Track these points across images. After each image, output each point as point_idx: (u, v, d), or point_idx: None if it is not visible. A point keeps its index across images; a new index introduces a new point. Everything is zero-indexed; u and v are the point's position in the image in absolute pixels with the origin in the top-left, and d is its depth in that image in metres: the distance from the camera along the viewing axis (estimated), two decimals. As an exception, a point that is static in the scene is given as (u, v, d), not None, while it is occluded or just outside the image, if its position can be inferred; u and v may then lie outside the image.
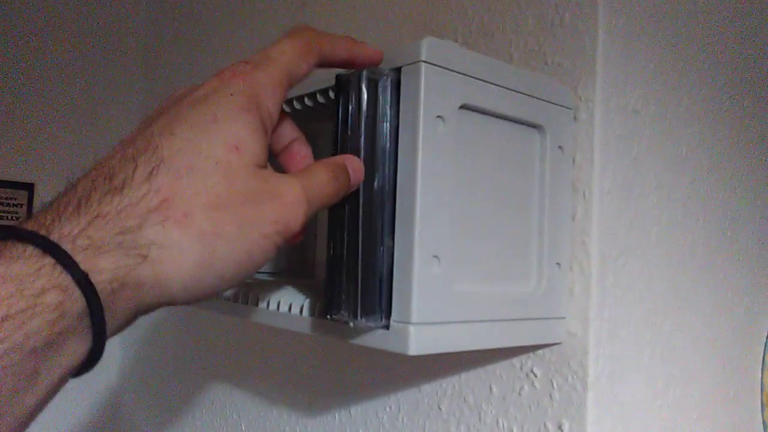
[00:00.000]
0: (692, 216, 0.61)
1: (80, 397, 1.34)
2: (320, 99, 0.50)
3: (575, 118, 0.53)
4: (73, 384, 0.32)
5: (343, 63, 0.43)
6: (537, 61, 0.56)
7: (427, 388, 0.64)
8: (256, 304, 0.57)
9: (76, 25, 1.35)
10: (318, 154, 0.74)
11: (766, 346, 0.74)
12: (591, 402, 0.50)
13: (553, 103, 0.52)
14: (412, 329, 0.41)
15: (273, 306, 0.55)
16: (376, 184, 0.43)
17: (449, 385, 0.62)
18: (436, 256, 0.43)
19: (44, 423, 0.34)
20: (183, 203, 0.32)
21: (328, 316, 0.44)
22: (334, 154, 0.45)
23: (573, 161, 0.53)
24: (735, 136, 0.67)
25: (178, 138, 0.34)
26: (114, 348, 1.38)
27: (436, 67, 0.43)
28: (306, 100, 0.51)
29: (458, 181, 0.45)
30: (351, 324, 0.43)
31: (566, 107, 0.53)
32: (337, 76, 0.45)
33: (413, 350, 0.41)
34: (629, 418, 0.54)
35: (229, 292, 0.61)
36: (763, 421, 0.74)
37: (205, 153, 0.34)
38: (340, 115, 0.45)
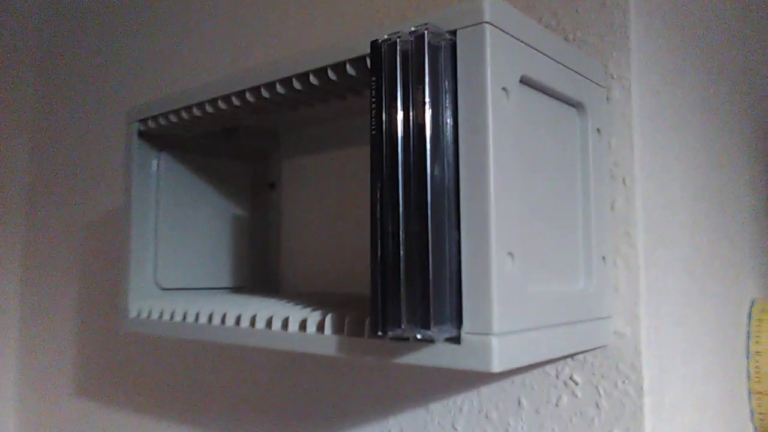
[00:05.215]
0: (703, 204, 0.59)
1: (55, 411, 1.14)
2: (351, 71, 0.42)
3: (608, 98, 0.49)
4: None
5: None
6: (559, 36, 0.51)
7: (437, 407, 0.57)
8: (253, 325, 0.47)
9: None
10: (347, 137, 0.64)
11: (749, 335, 0.74)
12: (648, 408, 0.46)
13: (591, 80, 0.47)
14: (494, 342, 0.34)
15: (274, 324, 0.46)
16: (438, 170, 0.36)
17: (465, 401, 0.55)
18: (510, 253, 0.36)
19: None
20: None
21: (381, 333, 0.36)
22: (375, 140, 0.37)
23: (609, 145, 0.49)
24: (742, 125, 0.66)
25: None
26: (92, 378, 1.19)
27: (499, 31, 0.37)
28: (329, 72, 0.43)
29: (522, 166, 0.39)
30: (418, 336, 0.35)
31: (601, 86, 0.48)
32: (378, 43, 0.37)
33: (498, 366, 0.34)
34: (676, 422, 0.50)
35: (208, 316, 0.51)
36: (751, 409, 0.73)
37: None
38: (385, 90, 0.37)
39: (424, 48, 0.36)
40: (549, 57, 0.41)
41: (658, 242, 0.49)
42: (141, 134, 0.61)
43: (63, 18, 1.23)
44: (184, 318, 0.53)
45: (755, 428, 0.71)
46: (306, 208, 0.69)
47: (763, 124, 0.71)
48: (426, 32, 0.36)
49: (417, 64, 0.36)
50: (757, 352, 0.72)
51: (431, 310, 0.34)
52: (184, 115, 0.56)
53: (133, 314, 0.58)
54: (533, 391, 0.51)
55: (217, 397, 0.80)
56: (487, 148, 0.35)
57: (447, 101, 0.37)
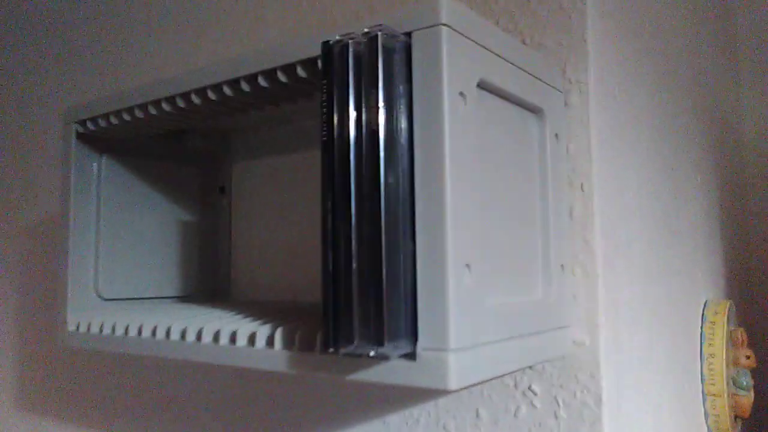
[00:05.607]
0: (671, 207, 0.59)
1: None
2: (301, 73, 0.40)
3: (566, 103, 0.48)
4: None
5: None
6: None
7: (394, 419, 0.55)
8: (199, 339, 0.45)
9: None
10: (299, 140, 0.63)
11: (701, 338, 0.74)
12: (607, 418, 0.45)
13: (550, 85, 0.46)
14: (451, 358, 0.33)
15: (221, 339, 0.44)
16: (392, 177, 0.34)
17: (422, 412, 0.54)
18: (467, 265, 0.35)
19: None
20: None
21: (333, 349, 0.34)
22: (326, 146, 0.35)
23: (567, 150, 0.48)
24: (695, 127, 0.66)
25: None
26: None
27: (457, 34, 0.35)
28: (279, 75, 0.41)
29: (480, 174, 0.38)
30: (372, 353, 0.33)
31: (559, 90, 0.47)
32: (329, 44, 0.35)
33: (455, 384, 0.33)
34: (634, 429, 0.49)
35: (154, 328, 0.48)
36: (704, 411, 0.74)
37: None
38: (336, 94, 0.35)
39: (377, 50, 0.34)
40: (508, 61, 0.40)
41: (615, 248, 0.49)
42: (80, 136, 0.57)
43: None
44: (126, 332, 0.50)
45: (710, 430, 0.72)
46: (257, 213, 0.66)
47: (713, 129, 0.72)
48: (379, 33, 0.34)
49: (370, 66, 0.34)
50: (711, 355, 0.73)
51: (385, 326, 0.33)
52: (125, 116, 0.53)
53: (72, 327, 0.55)
54: (491, 401, 0.50)
55: (163, 411, 0.76)
56: (443, 155, 0.34)
57: (402, 106, 0.35)
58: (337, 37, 0.36)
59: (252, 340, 0.42)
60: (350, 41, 0.35)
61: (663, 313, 0.58)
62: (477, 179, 0.37)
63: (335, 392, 0.59)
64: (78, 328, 0.55)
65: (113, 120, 0.55)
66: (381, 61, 0.34)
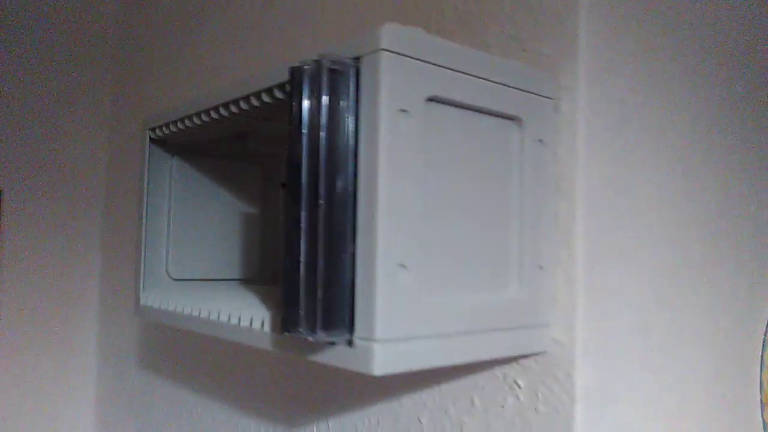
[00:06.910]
0: (684, 212, 0.57)
1: (60, 411, 1.30)
2: (278, 94, 0.46)
3: (556, 109, 0.49)
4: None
5: None
6: (515, 48, 0.52)
7: (408, 401, 0.60)
8: (217, 317, 0.53)
9: (45, 29, 1.30)
10: (276, 159, 0.68)
11: (764, 345, 0.70)
12: (579, 415, 0.47)
13: (531, 92, 0.47)
14: (376, 347, 0.37)
15: (232, 319, 0.51)
16: (339, 185, 0.39)
17: (429, 397, 0.58)
18: (402, 265, 0.39)
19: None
20: None
21: (286, 333, 0.40)
22: (291, 155, 0.41)
23: (554, 156, 0.49)
24: (728, 125, 0.63)
25: None
26: (91, 364, 1.34)
27: (398, 56, 0.39)
28: (262, 96, 0.47)
29: (428, 181, 0.41)
30: (310, 338, 0.39)
31: (546, 97, 0.49)
32: (292, 68, 0.41)
33: (378, 370, 0.37)
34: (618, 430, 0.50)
35: (189, 306, 0.57)
36: (763, 421, 0.70)
37: None
38: (294, 110, 0.40)
39: (321, 73, 0.39)
40: (469, 75, 0.43)
41: (608, 253, 0.49)
42: (153, 141, 0.68)
43: (136, 18, 1.35)
44: (188, 311, 0.59)
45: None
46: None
47: (729, 129, 0.67)
48: (322, 60, 0.39)
49: (318, 87, 0.39)
50: (771, 364, 0.69)
51: (318, 317, 0.38)
52: (188, 122, 0.62)
53: (144, 302, 0.66)
54: (484, 391, 0.53)
55: (210, 374, 0.87)
56: (377, 166, 0.38)
57: (349, 121, 0.39)
58: (300, 63, 0.41)
59: (249, 321, 0.49)
60: (305, 66, 0.40)
61: (674, 320, 0.57)
62: (424, 186, 0.40)
63: (360, 374, 0.65)
64: (149, 303, 0.65)
65: (179, 125, 0.64)
66: (325, 83, 0.39)
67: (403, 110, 0.39)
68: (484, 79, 0.44)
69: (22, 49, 1.29)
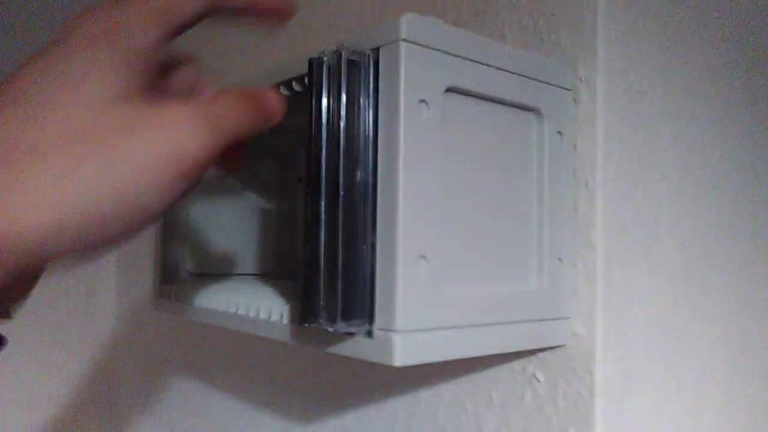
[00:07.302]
0: (705, 204, 0.57)
1: (76, 393, 1.31)
2: (296, 87, 0.46)
3: (575, 101, 0.49)
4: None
5: (242, 11, 0.37)
6: (533, 39, 0.52)
7: (425, 396, 0.60)
8: (235, 311, 0.53)
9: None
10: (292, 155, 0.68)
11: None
12: (599, 409, 0.46)
13: (550, 84, 0.47)
14: (396, 338, 0.37)
15: (250, 312, 0.51)
16: (358, 176, 0.39)
17: (447, 391, 0.58)
18: (423, 256, 0.39)
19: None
20: (29, 138, 0.28)
21: (305, 324, 0.40)
22: (310, 146, 0.41)
23: (574, 147, 0.49)
24: (751, 116, 0.62)
25: (29, 74, 0.30)
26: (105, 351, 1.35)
27: (417, 46, 0.39)
28: (280, 89, 0.47)
29: (448, 172, 0.41)
30: (330, 329, 0.39)
31: (565, 89, 0.48)
32: (310, 60, 0.41)
33: (398, 361, 0.37)
34: (641, 427, 0.50)
35: (209, 300, 0.57)
36: (785, 421, 0.69)
37: (59, 86, 0.30)
38: (314, 102, 0.40)
39: (341, 64, 0.39)
40: (488, 65, 0.43)
41: (628, 246, 0.49)
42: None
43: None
44: (200, 304, 0.60)
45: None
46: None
47: (750, 123, 0.66)
48: (343, 51, 0.39)
49: (337, 78, 0.39)
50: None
51: (339, 305, 0.38)
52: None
53: (161, 296, 0.66)
54: (502, 385, 0.53)
55: (226, 368, 0.87)
56: (397, 157, 0.38)
57: (369, 113, 0.39)
58: (319, 54, 0.41)
59: (268, 314, 0.49)
60: (324, 57, 0.40)
61: (692, 314, 0.56)
62: (444, 178, 0.40)
63: (377, 368, 0.65)
64: (166, 297, 0.66)
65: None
66: (345, 74, 0.39)
67: (423, 100, 0.39)
68: (502, 69, 0.44)
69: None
